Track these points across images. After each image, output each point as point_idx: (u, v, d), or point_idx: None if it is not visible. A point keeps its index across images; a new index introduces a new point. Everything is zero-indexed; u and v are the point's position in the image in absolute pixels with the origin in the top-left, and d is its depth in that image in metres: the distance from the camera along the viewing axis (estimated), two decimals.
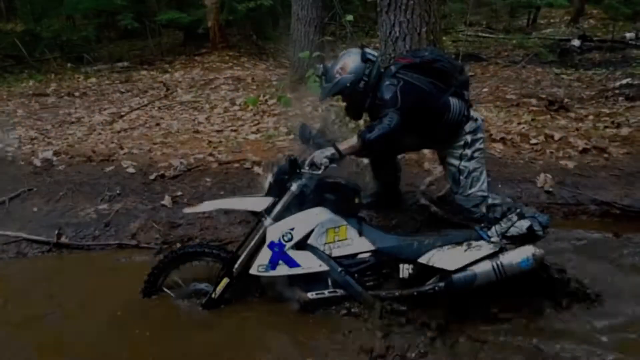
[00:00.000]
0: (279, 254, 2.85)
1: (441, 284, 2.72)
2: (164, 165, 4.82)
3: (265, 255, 2.86)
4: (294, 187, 2.85)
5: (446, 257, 2.73)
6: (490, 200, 3.27)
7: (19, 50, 11.41)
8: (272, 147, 5.20)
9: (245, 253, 2.95)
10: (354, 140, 2.89)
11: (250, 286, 3.11)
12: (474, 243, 2.78)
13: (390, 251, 2.89)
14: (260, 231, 2.91)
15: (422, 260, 2.78)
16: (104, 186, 4.52)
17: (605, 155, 4.61)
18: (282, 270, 2.87)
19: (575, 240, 3.66)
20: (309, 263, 2.86)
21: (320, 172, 2.80)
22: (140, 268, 3.27)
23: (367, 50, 3.14)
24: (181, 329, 2.94)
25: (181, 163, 4.78)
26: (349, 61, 3.10)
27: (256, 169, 4.65)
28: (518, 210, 2.79)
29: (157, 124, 6.34)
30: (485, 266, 2.67)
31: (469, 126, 3.19)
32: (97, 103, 7.69)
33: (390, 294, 2.84)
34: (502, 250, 2.71)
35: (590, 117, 5.67)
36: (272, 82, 8.28)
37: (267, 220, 2.89)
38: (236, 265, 2.96)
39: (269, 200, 2.95)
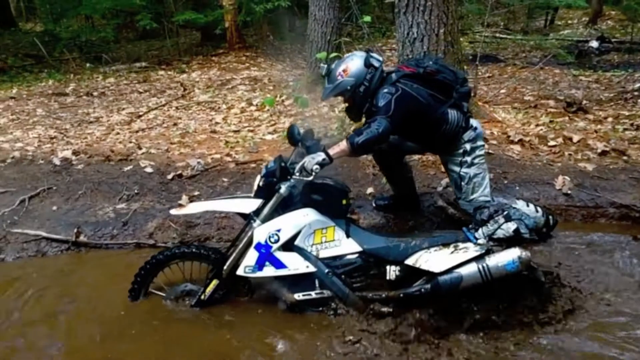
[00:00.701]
0: (266, 255, 2.86)
1: (427, 286, 2.71)
2: (181, 165, 4.86)
3: (252, 256, 2.87)
4: (282, 189, 2.86)
5: (432, 259, 2.73)
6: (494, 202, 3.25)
7: (39, 50, 11.60)
8: (289, 147, 5.19)
9: (234, 255, 2.96)
10: (342, 144, 2.88)
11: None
12: (460, 245, 2.78)
13: (378, 252, 2.89)
14: (249, 233, 2.92)
15: (409, 262, 2.79)
16: (122, 185, 4.57)
17: (625, 157, 4.55)
18: (269, 271, 2.88)
19: (593, 243, 3.62)
20: (295, 264, 2.87)
21: (310, 178, 2.79)
22: None
23: (372, 55, 3.16)
24: (201, 329, 2.96)
25: (198, 163, 4.81)
26: (352, 65, 3.12)
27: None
28: (505, 213, 2.77)
29: (175, 124, 6.39)
30: (472, 268, 2.66)
31: (467, 135, 3.19)
32: (115, 103, 7.77)
33: (376, 295, 2.84)
34: (488, 252, 2.70)
35: (609, 119, 5.59)
36: (288, 83, 8.30)
37: (256, 222, 2.90)
38: (225, 267, 2.98)
39: (257, 202, 2.95)
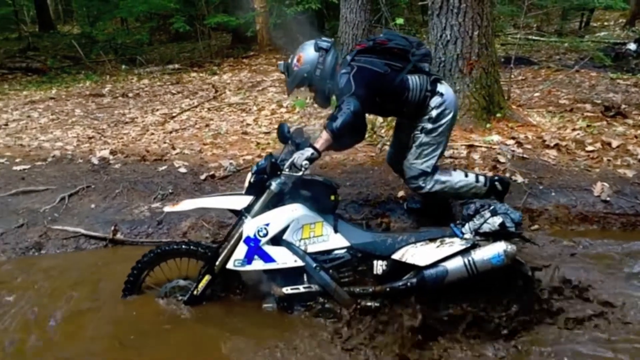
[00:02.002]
0: (255, 249, 2.89)
1: (413, 280, 2.74)
2: (214, 165, 4.94)
3: (241, 250, 2.91)
4: (273, 185, 2.90)
5: (418, 253, 2.75)
6: (435, 176, 3.35)
7: (76, 52, 11.95)
8: None
9: (225, 251, 3.00)
10: (324, 134, 2.93)
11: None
12: (447, 239, 2.78)
13: (365, 247, 2.91)
14: (240, 229, 2.96)
15: (395, 256, 2.81)
16: (157, 185, 4.66)
17: None
18: (258, 265, 2.91)
19: (632, 252, 3.52)
20: (284, 258, 2.90)
21: (300, 173, 2.83)
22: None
23: (320, 39, 3.25)
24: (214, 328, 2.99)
25: (230, 164, 4.88)
26: (304, 53, 3.22)
27: None
28: (491, 207, 2.76)
29: (207, 125, 6.49)
30: (457, 262, 2.67)
31: (434, 101, 3.23)
32: (149, 104, 7.94)
33: (364, 290, 2.86)
34: (474, 246, 2.70)
35: None
36: None
37: (247, 219, 2.94)
38: (217, 263, 3.01)
39: (249, 199, 3.00)
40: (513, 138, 4.84)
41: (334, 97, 3.33)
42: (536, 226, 3.93)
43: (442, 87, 3.27)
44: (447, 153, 4.61)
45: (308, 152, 2.84)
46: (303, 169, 2.81)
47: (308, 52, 3.21)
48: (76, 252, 4.03)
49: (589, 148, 4.72)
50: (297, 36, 11.50)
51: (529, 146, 4.75)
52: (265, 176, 2.95)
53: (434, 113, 3.24)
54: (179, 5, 10.82)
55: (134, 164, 5.10)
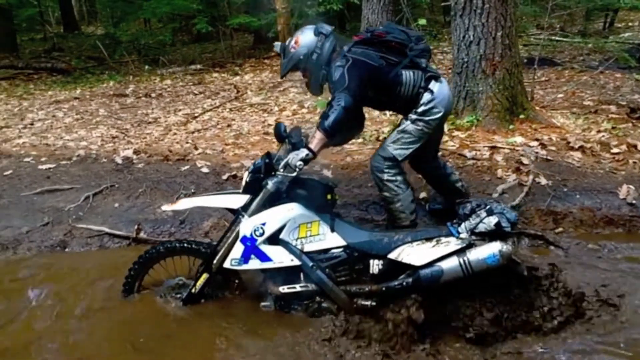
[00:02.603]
0: (251, 249, 2.91)
1: (409, 280, 2.74)
2: (236, 165, 4.97)
3: (238, 249, 2.92)
4: (269, 185, 2.89)
5: (414, 253, 2.75)
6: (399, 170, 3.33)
7: (100, 52, 12.14)
8: (341, 150, 5.23)
9: (223, 249, 3.02)
10: (318, 134, 2.92)
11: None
12: (443, 239, 2.78)
13: (361, 247, 2.91)
14: (237, 228, 2.97)
15: (392, 256, 2.81)
16: (180, 185, 4.71)
17: None
18: (254, 264, 2.93)
19: None
20: (280, 257, 2.91)
21: (294, 174, 2.83)
22: None
23: (321, 24, 3.24)
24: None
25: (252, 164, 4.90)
26: (302, 36, 3.21)
27: (325, 172, 4.69)
28: (487, 207, 2.75)
29: (229, 125, 6.54)
30: (453, 262, 2.67)
31: (425, 97, 3.20)
32: (172, 104, 8.02)
33: (360, 289, 2.87)
34: (470, 246, 2.70)
35: None
36: None
37: (244, 217, 2.95)
38: (215, 261, 3.04)
39: (245, 198, 3.01)
40: (537, 139, 4.78)
41: (325, 86, 3.31)
42: (560, 229, 3.89)
43: (435, 86, 3.22)
44: (469, 154, 4.59)
45: (303, 152, 2.84)
46: (297, 169, 2.81)
47: (307, 35, 3.20)
48: (100, 251, 4.10)
49: (614, 150, 4.64)
50: None
51: (553, 148, 4.69)
52: (261, 175, 2.96)
53: (420, 109, 3.22)
54: (201, 6, 10.93)
55: (156, 164, 5.16)
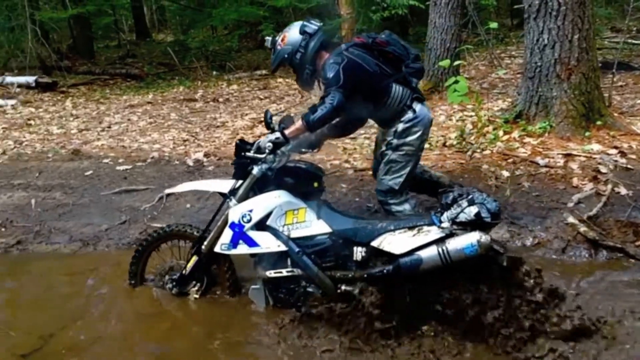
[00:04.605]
0: (239, 234, 3.01)
1: (389, 268, 2.77)
2: None
3: (227, 235, 3.04)
4: (255, 170, 3.03)
5: (395, 241, 2.78)
6: (403, 198, 3.38)
7: (171, 59, 12.64)
8: None
9: (212, 233, 3.14)
10: (298, 123, 3.00)
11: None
12: (424, 228, 2.80)
13: (345, 234, 2.96)
14: (226, 212, 3.09)
15: (374, 243, 2.85)
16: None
17: None
18: (243, 249, 3.03)
19: None
20: (267, 243, 2.99)
21: (264, 155, 2.96)
22: None
23: (308, 22, 3.25)
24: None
25: None
26: (289, 34, 3.23)
27: None
28: (469, 197, 2.71)
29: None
30: (432, 251, 2.68)
31: (406, 116, 3.22)
32: (238, 108, 8.23)
33: (344, 275, 2.92)
34: (451, 235, 2.69)
35: None
36: None
37: (232, 202, 3.07)
38: (204, 244, 3.15)
39: (235, 182, 3.14)
40: (615, 147, 4.55)
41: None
42: None
43: (418, 106, 3.26)
44: (541, 162, 4.44)
45: (273, 136, 2.98)
46: (266, 150, 2.94)
47: (292, 33, 3.23)
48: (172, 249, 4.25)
49: None
50: None
51: (634, 156, 4.44)
52: (248, 161, 3.06)
53: (400, 127, 3.23)
54: (267, 13, 11.16)
55: (225, 167, 5.30)
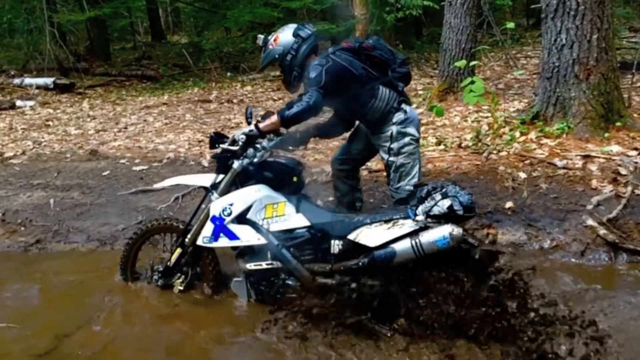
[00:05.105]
0: (220, 227, 3.07)
1: (365, 260, 2.82)
2: (316, 170, 5.04)
3: (208, 228, 3.11)
4: (236, 164, 3.09)
5: (370, 234, 2.84)
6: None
7: (185, 60, 12.72)
8: (422, 157, 5.15)
9: (195, 226, 3.22)
10: (273, 117, 3.04)
11: None
12: (399, 221, 2.85)
13: (323, 227, 3.02)
14: (208, 207, 3.17)
15: (351, 236, 2.90)
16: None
17: None
18: (223, 242, 3.10)
19: None
20: (247, 236, 3.05)
21: (237, 148, 3.04)
22: None
23: (302, 26, 3.28)
24: None
25: None
26: (282, 35, 3.26)
27: None
28: (443, 190, 2.76)
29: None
30: (405, 244, 2.74)
31: (396, 116, 3.23)
32: (253, 110, 8.24)
33: (322, 268, 2.98)
34: (425, 228, 2.74)
35: None
36: (417, 92, 8.24)
37: (214, 195, 3.15)
38: (188, 237, 3.25)
39: (218, 177, 3.21)
40: (635, 149, 4.48)
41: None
42: None
43: (407, 107, 3.29)
44: (559, 163, 4.39)
45: (248, 128, 3.06)
46: (240, 143, 3.03)
47: (285, 35, 3.25)
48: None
49: None
50: (396, 43, 11.52)
51: None
52: (229, 154, 3.12)
53: (394, 129, 3.24)
54: (281, 14, 11.19)
55: None
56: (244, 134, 3.04)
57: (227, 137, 3.18)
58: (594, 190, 4.06)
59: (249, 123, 3.24)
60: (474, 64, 6.04)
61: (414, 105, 7.00)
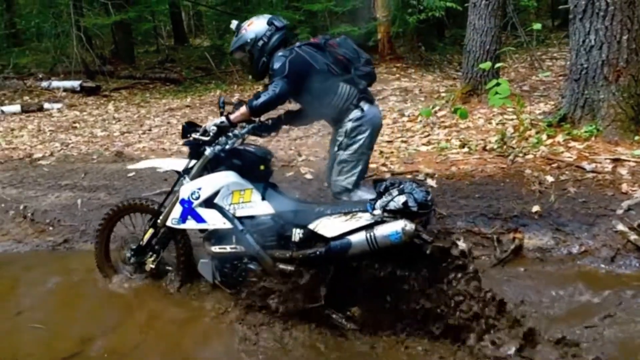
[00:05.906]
0: (188, 210, 3.18)
1: (322, 250, 2.90)
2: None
3: (177, 210, 3.22)
4: (207, 151, 3.17)
5: (329, 225, 2.91)
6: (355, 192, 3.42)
7: (207, 63, 12.83)
8: (445, 159, 5.12)
9: (167, 208, 3.35)
10: (243, 109, 3.17)
11: None
12: (358, 214, 2.90)
13: (286, 216, 3.11)
14: (178, 190, 3.28)
15: (311, 226, 2.98)
16: (286, 190, 4.80)
17: None
18: (191, 224, 3.21)
19: None
20: (214, 220, 3.15)
21: (208, 138, 3.14)
22: None
23: (277, 16, 3.40)
24: None
25: None
26: (257, 21, 3.35)
27: (429, 181, 4.61)
28: (400, 186, 2.83)
29: (329, 133, 6.61)
30: (361, 236, 2.81)
31: (353, 114, 3.31)
32: (274, 112, 8.26)
33: (282, 254, 3.06)
34: (381, 222, 2.79)
35: None
36: (440, 94, 8.17)
37: (185, 179, 3.27)
38: (160, 218, 3.36)
39: (190, 162, 3.32)
40: None
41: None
42: None
43: (366, 106, 3.34)
44: (588, 167, 4.31)
45: (219, 120, 3.18)
46: (211, 133, 3.13)
47: (260, 22, 3.33)
48: None
49: None
50: (419, 45, 11.46)
51: None
52: (200, 142, 3.21)
53: (349, 126, 3.32)
54: (303, 16, 11.22)
55: None
56: (215, 125, 3.16)
57: (200, 127, 3.29)
58: (624, 195, 3.96)
59: (222, 113, 3.33)
60: (499, 65, 5.96)
61: (437, 107, 7.01)
